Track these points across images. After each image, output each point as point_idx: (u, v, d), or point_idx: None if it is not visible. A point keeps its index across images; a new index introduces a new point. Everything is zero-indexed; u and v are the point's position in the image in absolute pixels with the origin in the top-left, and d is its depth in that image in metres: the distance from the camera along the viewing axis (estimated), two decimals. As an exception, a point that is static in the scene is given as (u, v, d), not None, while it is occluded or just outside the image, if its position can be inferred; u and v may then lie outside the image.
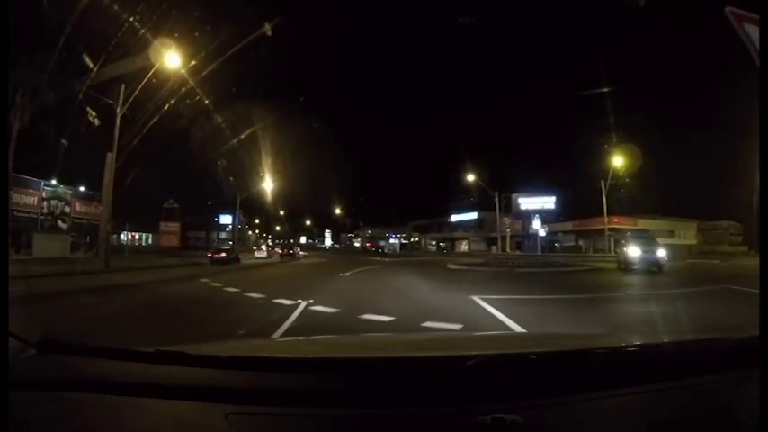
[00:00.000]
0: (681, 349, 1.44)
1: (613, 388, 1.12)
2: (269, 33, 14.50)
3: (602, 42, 32.14)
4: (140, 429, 1.02)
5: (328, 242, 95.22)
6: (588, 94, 22.86)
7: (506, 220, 37.57)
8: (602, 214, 34.89)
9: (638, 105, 45.41)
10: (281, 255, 37.47)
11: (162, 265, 18.51)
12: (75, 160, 20.33)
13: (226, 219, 51.68)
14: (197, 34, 15.21)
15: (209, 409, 1.02)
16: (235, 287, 10.09)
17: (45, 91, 15.35)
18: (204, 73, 15.80)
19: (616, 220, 35.92)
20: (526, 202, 41.34)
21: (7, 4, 2.48)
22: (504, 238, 38.04)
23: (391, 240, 69.55)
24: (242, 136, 25.06)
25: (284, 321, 5.73)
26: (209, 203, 47.61)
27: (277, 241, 66.90)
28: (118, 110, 15.50)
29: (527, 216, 38.59)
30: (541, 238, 36.52)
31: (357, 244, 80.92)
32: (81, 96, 15.10)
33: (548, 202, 40.92)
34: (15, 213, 22.14)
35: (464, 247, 55.42)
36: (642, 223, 39.10)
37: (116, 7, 13.31)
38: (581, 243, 43.82)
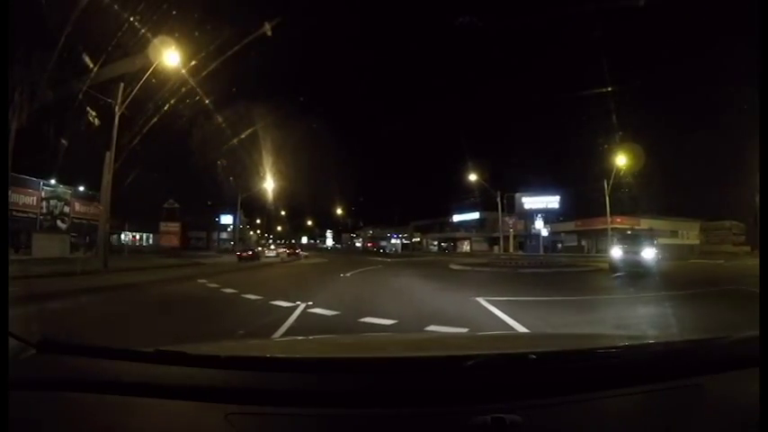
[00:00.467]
0: (681, 349, 1.44)
1: (613, 388, 1.12)
2: (269, 33, 14.39)
3: (605, 41, 32.01)
4: (140, 429, 1.02)
5: (329, 242, 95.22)
6: (591, 94, 22.63)
7: (509, 220, 37.35)
8: (604, 214, 34.64)
9: (641, 104, 45.21)
10: (287, 254, 39.84)
11: (161, 266, 18.38)
12: (74, 160, 20.26)
13: (227, 219, 51.51)
14: (197, 34, 15.14)
15: (209, 409, 1.02)
16: (233, 288, 9.93)
17: (44, 90, 15.29)
18: (204, 73, 15.75)
19: (619, 219, 35.71)
20: (530, 202, 41.03)
21: (7, 4, 2.36)
22: (506, 238, 37.82)
23: (393, 240, 69.46)
24: (242, 136, 25.02)
25: (282, 324, 5.56)
26: (210, 203, 47.50)
27: (279, 241, 66.91)
28: (116, 109, 15.37)
29: (530, 216, 38.35)
30: (544, 238, 36.30)
31: (358, 244, 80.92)
32: (81, 96, 15.00)
33: (552, 202, 40.59)
34: (14, 213, 22.07)
35: (466, 247, 55.28)
36: (645, 223, 38.93)
37: (116, 7, 13.22)
38: (584, 243, 43.64)
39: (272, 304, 7.37)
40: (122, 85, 15.43)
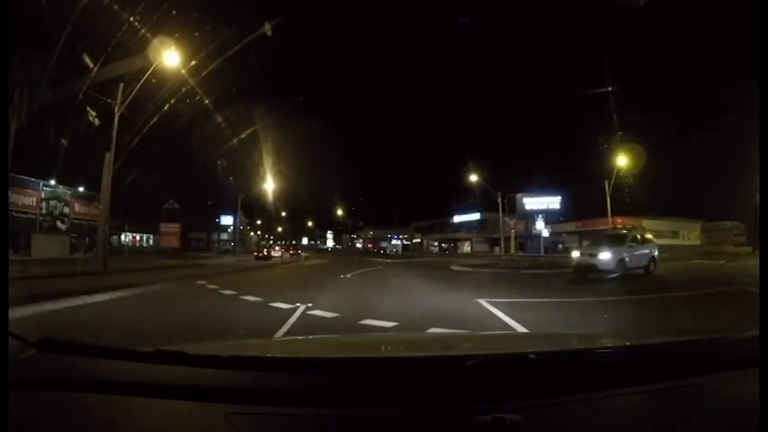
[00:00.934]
0: (681, 349, 1.43)
1: (613, 388, 1.12)
2: (269, 33, 14.35)
3: (606, 41, 32.01)
4: (140, 429, 1.02)
5: (330, 243, 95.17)
6: (591, 94, 22.66)
7: (510, 221, 37.30)
8: (605, 215, 34.57)
9: (642, 105, 45.20)
10: (290, 255, 41.76)
11: (160, 267, 18.31)
12: (74, 160, 20.23)
13: (227, 219, 51.46)
14: (197, 34, 15.10)
15: (209, 409, 1.02)
16: (231, 289, 9.85)
17: (44, 90, 15.25)
18: (204, 73, 15.70)
19: (620, 220, 35.54)
20: (531, 202, 40.99)
21: (7, 4, 2.31)
22: (507, 238, 37.76)
23: (393, 241, 69.48)
24: (242, 136, 24.94)
25: (281, 327, 5.48)
26: (210, 204, 47.46)
27: (279, 242, 66.88)
28: (116, 109, 15.33)
29: (531, 216, 38.33)
30: (545, 238, 36.25)
31: (359, 245, 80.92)
32: (80, 96, 14.95)
33: (553, 202, 40.56)
34: (14, 214, 22.01)
35: (466, 248, 55.20)
36: (646, 224, 38.77)
37: (116, 7, 13.19)
38: (585, 244, 43.50)
39: (271, 306, 7.29)
40: (122, 85, 15.41)
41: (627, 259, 13.61)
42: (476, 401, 1.03)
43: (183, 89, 16.12)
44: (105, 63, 14.25)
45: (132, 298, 9.00)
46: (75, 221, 27.61)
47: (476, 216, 53.23)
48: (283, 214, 62.41)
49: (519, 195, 41.19)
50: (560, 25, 43.11)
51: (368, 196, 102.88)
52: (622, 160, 30.33)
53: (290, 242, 70.09)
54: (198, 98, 17.47)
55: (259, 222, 69.83)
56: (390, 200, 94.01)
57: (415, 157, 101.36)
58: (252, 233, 70.41)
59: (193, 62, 15.06)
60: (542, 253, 33.98)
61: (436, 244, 63.58)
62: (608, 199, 33.17)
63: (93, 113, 15.83)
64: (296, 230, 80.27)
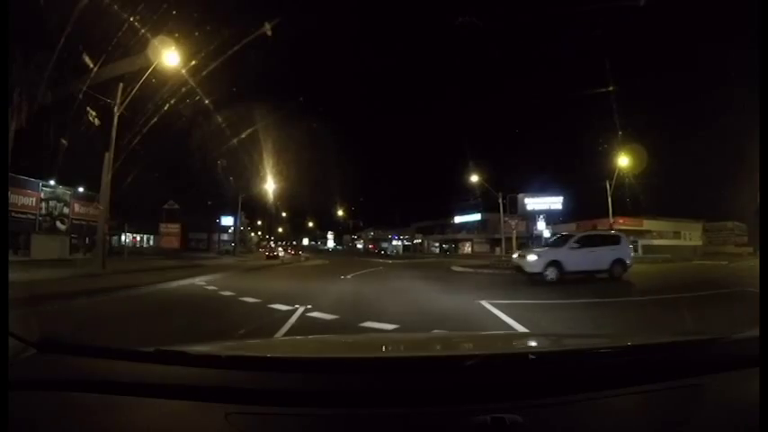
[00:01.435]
0: (681, 349, 1.43)
1: (613, 388, 1.12)
2: (269, 33, 14.28)
3: (607, 41, 31.93)
4: (140, 429, 1.01)
5: (330, 244, 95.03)
6: (592, 94, 22.54)
7: (511, 221, 37.17)
8: (606, 215, 34.48)
9: (643, 105, 45.13)
10: (292, 255, 43.43)
11: (160, 267, 18.25)
12: (74, 160, 20.16)
13: (227, 220, 51.30)
14: (197, 34, 15.04)
15: (209, 409, 1.02)
16: (230, 290, 9.79)
17: (44, 91, 15.22)
18: (204, 73, 15.64)
19: (621, 221, 35.50)
20: (532, 203, 40.85)
21: (7, 4, 2.26)
22: (508, 239, 37.64)
23: (394, 242, 69.41)
24: (243, 136, 24.80)
25: (279, 329, 5.41)
26: (210, 204, 47.33)
27: (280, 243, 66.96)
28: (116, 109, 15.28)
29: (532, 217, 38.20)
30: (546, 239, 36.13)
31: (359, 246, 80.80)
32: (80, 96, 14.90)
33: (555, 203, 40.42)
34: (13, 214, 21.92)
35: (467, 248, 55.15)
36: (647, 224, 38.76)
37: (116, 7, 13.14)
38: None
39: (270, 307, 7.21)
40: (122, 85, 15.37)
41: (564, 261, 12.48)
42: (476, 401, 1.03)
43: (183, 89, 16.08)
44: (105, 63, 14.20)
45: (132, 299, 8.95)
46: (74, 222, 27.52)
47: (477, 216, 53.14)
48: (284, 215, 62.45)
49: (520, 195, 41.05)
50: (561, 25, 43.06)
51: (369, 197, 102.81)
52: (624, 160, 30.20)
53: (291, 243, 70.12)
54: (198, 98, 17.44)
55: (260, 223, 69.86)
56: (391, 200, 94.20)
57: (415, 158, 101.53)
58: (252, 234, 70.39)
59: (193, 62, 15.02)
60: (543, 254, 33.81)
61: (437, 244, 63.50)
62: (609, 199, 33.06)
63: (93, 113, 15.77)
64: (296, 231, 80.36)
